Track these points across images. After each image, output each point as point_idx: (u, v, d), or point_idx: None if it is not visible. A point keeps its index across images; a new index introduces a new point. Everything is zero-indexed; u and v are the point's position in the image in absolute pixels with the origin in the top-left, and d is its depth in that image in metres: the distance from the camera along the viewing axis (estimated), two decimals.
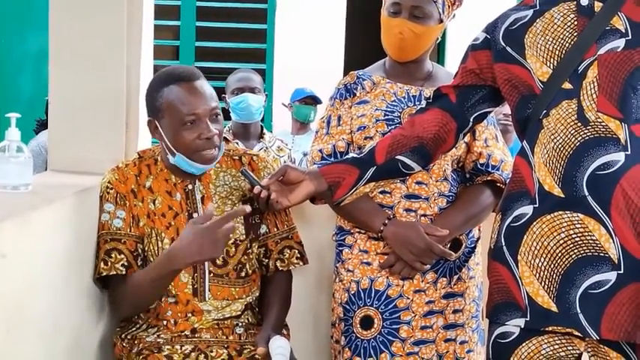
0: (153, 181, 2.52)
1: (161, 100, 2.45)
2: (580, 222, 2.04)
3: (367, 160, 2.40)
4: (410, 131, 2.38)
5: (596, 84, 2.05)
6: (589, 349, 2.10)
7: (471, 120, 2.37)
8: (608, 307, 2.02)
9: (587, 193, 2.03)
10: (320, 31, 7.04)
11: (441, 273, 2.57)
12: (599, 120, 2.04)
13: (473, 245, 2.64)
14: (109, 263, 2.42)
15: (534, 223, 2.09)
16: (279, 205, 2.39)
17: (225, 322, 2.50)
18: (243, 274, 2.53)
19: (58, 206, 2.27)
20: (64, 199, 2.35)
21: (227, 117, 3.60)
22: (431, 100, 2.41)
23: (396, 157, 2.39)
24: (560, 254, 2.06)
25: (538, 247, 2.08)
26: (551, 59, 2.11)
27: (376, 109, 2.58)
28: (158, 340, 2.45)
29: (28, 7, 6.32)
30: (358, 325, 2.56)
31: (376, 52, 2.85)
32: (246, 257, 2.53)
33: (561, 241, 2.06)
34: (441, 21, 2.58)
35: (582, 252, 2.03)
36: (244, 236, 2.54)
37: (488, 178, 2.59)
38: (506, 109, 4.24)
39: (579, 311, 2.03)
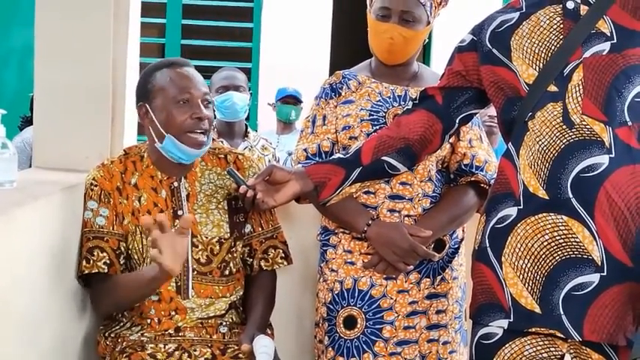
0: (138, 178, 2.52)
1: (153, 83, 2.48)
2: (564, 224, 2.05)
3: (353, 160, 2.41)
4: (396, 132, 2.39)
5: (581, 87, 2.06)
6: (571, 351, 2.11)
7: (457, 121, 2.38)
8: (590, 308, 2.03)
9: (571, 196, 2.04)
10: (306, 30, 7.05)
11: (424, 273, 2.57)
12: (584, 123, 2.05)
13: (456, 246, 2.64)
14: (91, 261, 2.42)
15: (519, 225, 2.10)
16: (265, 204, 2.39)
17: (209, 321, 2.50)
18: (227, 272, 2.53)
19: (43, 203, 2.27)
20: (50, 196, 2.34)
21: None
22: (417, 102, 2.42)
23: (382, 157, 2.39)
24: (543, 256, 2.07)
25: (522, 249, 2.09)
26: (537, 62, 2.12)
27: (361, 109, 2.58)
28: (142, 338, 2.44)
29: (13, 2, 6.28)
30: (342, 325, 2.56)
31: (362, 51, 2.85)
32: (230, 256, 2.53)
33: (545, 243, 2.07)
34: (429, 23, 2.59)
35: (566, 254, 2.05)
36: (228, 234, 2.54)
37: (472, 179, 2.60)
38: (491, 110, 4.25)
39: (562, 313, 2.04)
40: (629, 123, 2.04)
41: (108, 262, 2.42)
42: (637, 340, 2.02)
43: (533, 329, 2.09)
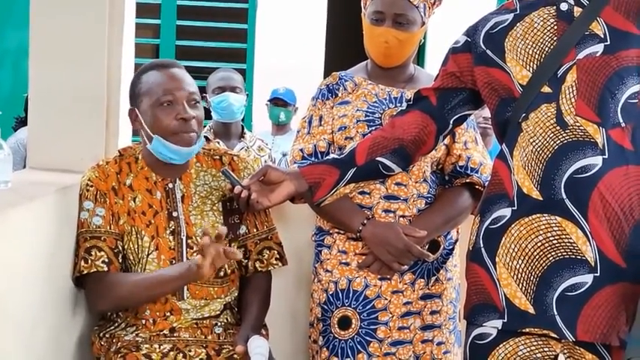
0: (133, 179, 2.52)
1: (140, 86, 2.48)
2: (558, 225, 2.05)
3: (347, 161, 2.41)
4: (390, 133, 2.40)
5: (574, 88, 2.07)
6: (565, 351, 2.11)
7: (451, 122, 2.38)
8: (584, 309, 2.04)
9: (564, 196, 2.04)
10: (300, 31, 7.05)
11: (418, 274, 2.58)
12: (577, 124, 2.06)
13: (451, 247, 2.65)
14: (90, 261, 2.41)
15: (512, 226, 2.11)
16: (260, 205, 2.39)
17: (204, 321, 2.50)
18: (221, 273, 2.52)
19: (38, 204, 2.27)
20: (44, 196, 2.34)
21: (208, 116, 3.61)
22: (411, 102, 2.42)
23: (377, 158, 2.40)
24: (537, 256, 2.07)
25: (516, 249, 2.10)
26: (531, 63, 2.13)
27: (357, 110, 2.59)
28: (137, 338, 2.44)
29: (7, 3, 6.27)
30: (336, 326, 2.57)
31: (357, 52, 2.86)
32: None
33: (539, 244, 2.07)
34: (423, 24, 2.60)
35: (559, 254, 2.05)
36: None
37: (467, 181, 2.60)
38: (485, 112, 4.27)
39: (556, 313, 2.05)
40: (623, 124, 2.04)
41: (106, 260, 2.42)
42: (630, 340, 2.02)
43: (527, 329, 2.09)
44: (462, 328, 2.50)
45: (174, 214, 2.50)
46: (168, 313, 2.47)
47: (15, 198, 2.19)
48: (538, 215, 2.08)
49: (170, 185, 2.52)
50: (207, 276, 2.33)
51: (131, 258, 2.47)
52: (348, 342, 2.55)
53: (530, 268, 2.08)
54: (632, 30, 2.08)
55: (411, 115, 2.39)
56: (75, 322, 2.54)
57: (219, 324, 2.52)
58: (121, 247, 2.46)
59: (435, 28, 2.96)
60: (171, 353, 2.39)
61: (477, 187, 2.60)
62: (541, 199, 2.07)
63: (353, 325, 2.55)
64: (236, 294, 2.59)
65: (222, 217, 2.54)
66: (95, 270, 2.41)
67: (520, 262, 2.09)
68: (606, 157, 2.03)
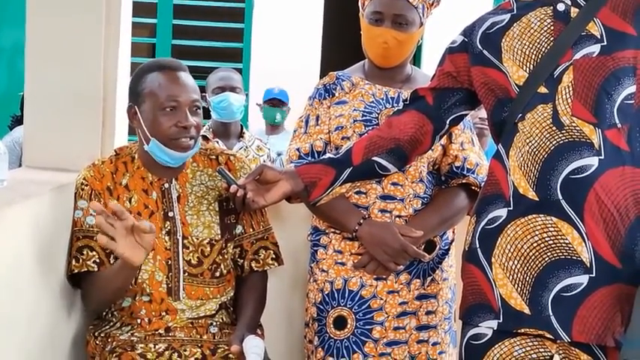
0: (129, 179, 2.51)
1: (143, 86, 2.46)
2: (553, 225, 2.05)
3: (344, 160, 2.41)
4: (387, 133, 2.40)
5: (571, 89, 2.07)
6: (560, 352, 2.11)
7: (448, 122, 2.39)
8: (579, 309, 2.04)
9: (560, 197, 2.05)
10: (297, 31, 7.05)
11: (414, 274, 2.58)
12: (573, 124, 2.06)
13: (447, 247, 2.65)
14: (81, 260, 2.41)
15: (508, 226, 2.11)
16: (256, 204, 2.39)
17: (200, 321, 2.50)
18: (217, 274, 2.52)
19: (33, 203, 2.26)
20: (40, 195, 2.33)
21: (207, 116, 3.61)
22: (408, 102, 2.42)
23: (373, 158, 2.40)
24: (533, 257, 2.07)
25: (512, 250, 2.10)
26: (528, 63, 2.13)
27: (354, 110, 2.59)
28: (132, 338, 2.44)
29: (3, 1, 6.26)
30: (332, 325, 2.57)
31: (354, 52, 2.86)
32: (221, 257, 2.53)
33: (535, 244, 2.07)
34: (422, 24, 2.60)
35: (555, 255, 2.05)
36: (219, 236, 2.53)
37: (464, 181, 2.60)
38: (482, 112, 4.26)
39: (551, 314, 2.05)
40: (619, 125, 2.05)
41: (98, 260, 2.42)
42: (625, 341, 2.02)
43: (523, 330, 2.10)
44: (457, 329, 2.49)
45: (170, 214, 2.49)
46: (163, 313, 2.47)
47: (11, 196, 2.18)
48: (534, 216, 2.08)
49: (166, 185, 2.52)
50: (138, 258, 2.22)
51: None
52: (343, 342, 2.55)
53: (525, 268, 2.08)
54: (628, 31, 2.08)
55: (407, 114, 2.39)
56: (70, 321, 2.54)
57: (214, 323, 2.51)
58: None
59: (431, 28, 2.96)
60: (167, 353, 2.38)
61: (473, 187, 2.60)
62: (537, 199, 2.07)
63: (348, 325, 2.55)
64: (232, 294, 2.59)
65: (218, 217, 2.54)
66: (86, 269, 2.41)
67: (516, 262, 2.09)
68: (602, 157, 2.03)
